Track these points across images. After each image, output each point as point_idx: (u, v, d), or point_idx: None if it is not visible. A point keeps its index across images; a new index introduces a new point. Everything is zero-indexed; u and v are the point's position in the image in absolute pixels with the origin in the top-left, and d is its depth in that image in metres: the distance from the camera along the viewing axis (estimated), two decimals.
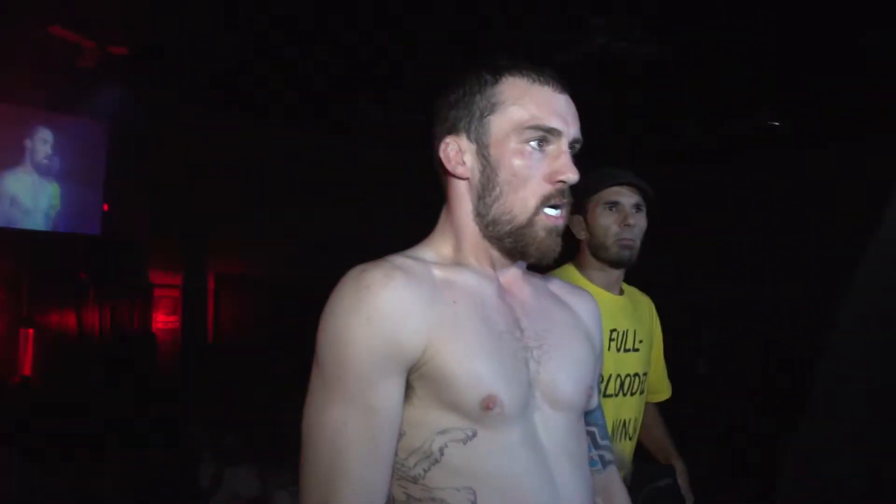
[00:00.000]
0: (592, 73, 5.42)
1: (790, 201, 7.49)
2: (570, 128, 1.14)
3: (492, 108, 1.14)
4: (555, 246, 1.14)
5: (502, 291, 1.16)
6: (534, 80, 1.14)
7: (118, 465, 4.67)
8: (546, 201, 1.12)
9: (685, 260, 7.82)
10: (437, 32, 5.22)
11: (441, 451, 1.04)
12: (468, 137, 1.15)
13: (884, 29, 4.62)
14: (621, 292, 2.11)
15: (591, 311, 1.31)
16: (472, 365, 1.05)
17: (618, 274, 2.08)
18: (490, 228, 1.14)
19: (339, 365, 1.03)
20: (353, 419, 1.02)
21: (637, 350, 2.06)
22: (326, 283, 1.15)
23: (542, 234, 1.13)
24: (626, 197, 2.02)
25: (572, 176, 1.12)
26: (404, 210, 5.49)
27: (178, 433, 5.22)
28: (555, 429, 1.12)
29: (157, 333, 7.35)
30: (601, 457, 1.30)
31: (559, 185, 1.12)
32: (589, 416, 1.25)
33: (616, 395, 1.99)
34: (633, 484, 1.96)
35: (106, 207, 7.10)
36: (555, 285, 1.30)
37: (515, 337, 1.12)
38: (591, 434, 1.26)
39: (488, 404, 1.04)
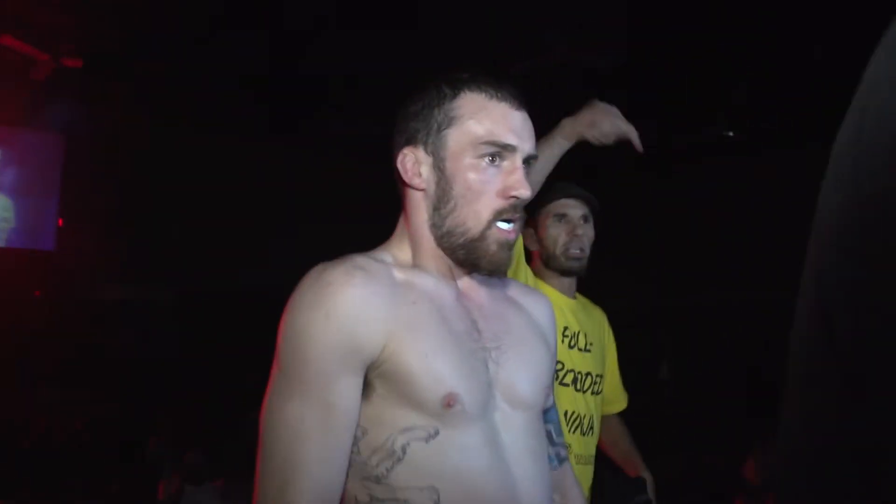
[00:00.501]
0: (555, 82, 5.47)
1: (752, 206, 7.62)
2: (525, 144, 1.16)
3: (449, 121, 1.15)
4: (506, 259, 1.16)
5: (460, 295, 1.19)
6: (491, 97, 1.16)
7: (81, 485, 4.57)
8: (499, 215, 1.14)
9: (646, 265, 7.91)
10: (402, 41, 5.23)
11: (404, 449, 1.05)
12: (425, 150, 1.17)
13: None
14: (573, 298, 2.20)
15: (546, 313, 1.33)
16: (432, 364, 1.07)
17: (569, 282, 2.17)
18: (444, 240, 1.17)
19: (298, 360, 1.05)
20: (311, 414, 1.03)
21: (589, 351, 2.13)
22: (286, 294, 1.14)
23: (493, 247, 1.15)
24: (574, 209, 2.11)
25: (525, 192, 1.14)
26: (365, 222, 5.45)
27: (142, 451, 5.13)
28: (515, 427, 1.14)
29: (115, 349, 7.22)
30: (557, 454, 1.32)
31: (512, 201, 1.15)
32: (545, 414, 1.27)
33: (569, 386, 2.06)
34: (610, 500, 2.04)
35: (61, 222, 6.96)
36: (511, 288, 1.32)
37: (473, 338, 1.15)
38: (547, 432, 1.28)
39: (449, 402, 1.05)
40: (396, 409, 1.07)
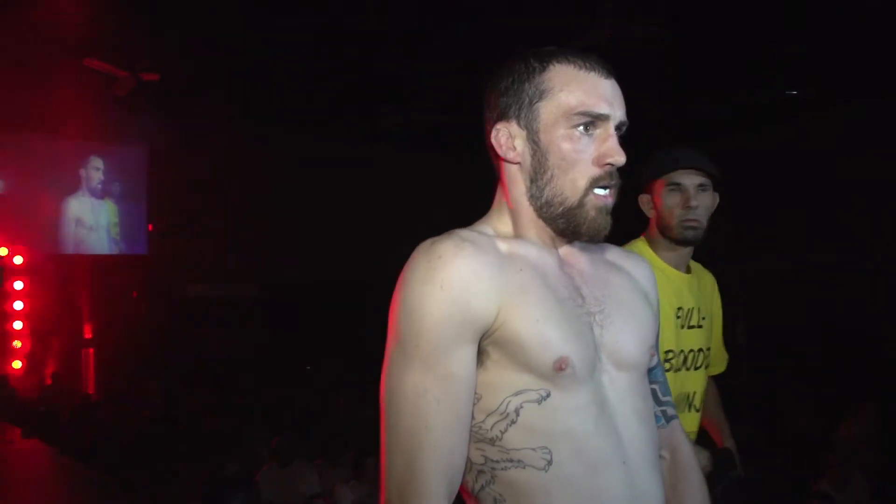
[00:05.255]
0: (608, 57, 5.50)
1: (824, 170, 7.47)
2: (616, 111, 1.17)
3: (541, 94, 1.17)
4: (605, 224, 1.18)
5: (562, 263, 1.21)
6: (580, 67, 1.17)
7: (187, 474, 4.85)
8: (595, 183, 1.16)
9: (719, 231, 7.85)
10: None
11: (517, 411, 1.08)
12: (518, 124, 1.18)
13: None
14: (688, 270, 2.16)
15: (646, 275, 1.35)
16: (543, 329, 1.09)
17: (686, 252, 2.12)
18: (543, 210, 1.18)
19: (416, 333, 1.06)
20: (433, 385, 1.06)
21: (700, 327, 2.11)
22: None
23: (592, 212, 1.16)
24: (689, 178, 2.06)
25: (620, 158, 1.16)
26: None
27: (241, 441, 5.41)
28: (621, 388, 1.17)
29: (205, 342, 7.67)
30: (664, 412, 1.34)
31: (607, 168, 1.16)
32: (650, 373, 1.29)
33: (679, 370, 2.06)
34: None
35: (151, 227, 7.42)
36: (610, 253, 1.34)
37: (578, 304, 1.16)
38: (652, 391, 1.29)
39: (561, 365, 1.08)
40: (510, 374, 1.09)
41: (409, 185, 8.11)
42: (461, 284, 1.07)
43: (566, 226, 1.18)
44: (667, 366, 2.01)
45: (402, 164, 8.09)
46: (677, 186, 2.06)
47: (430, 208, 6.51)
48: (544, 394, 1.09)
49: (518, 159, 1.19)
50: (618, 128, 1.18)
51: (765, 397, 6.40)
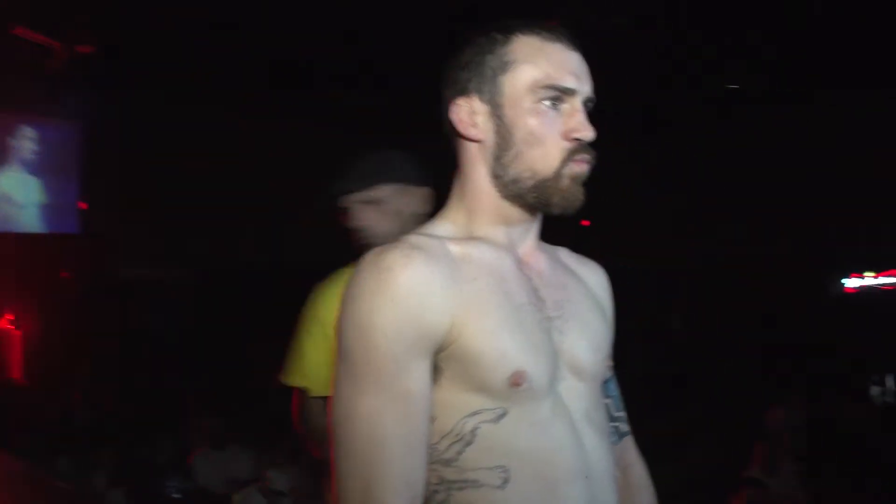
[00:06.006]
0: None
1: (760, 165, 7.67)
2: (583, 86, 1.12)
3: (504, 67, 1.11)
4: (579, 195, 1.12)
5: (520, 263, 1.15)
6: (546, 38, 1.12)
7: (117, 460, 4.74)
8: (571, 154, 1.11)
9: (655, 223, 8.01)
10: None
11: (473, 432, 1.04)
12: (480, 99, 1.12)
13: None
14: None
15: (601, 283, 1.30)
16: (497, 341, 1.04)
17: None
18: (511, 187, 1.12)
19: (367, 352, 1.01)
20: (389, 405, 1.00)
21: None
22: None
23: (566, 181, 1.11)
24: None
25: (588, 133, 1.11)
26: None
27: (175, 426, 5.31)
28: (580, 398, 1.12)
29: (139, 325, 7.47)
30: (617, 428, 1.30)
31: (576, 144, 1.11)
32: (604, 386, 1.24)
33: None
34: None
35: (83, 206, 7.17)
36: (566, 257, 1.28)
37: (537, 308, 1.11)
38: (605, 406, 1.24)
39: (516, 380, 1.03)
40: (464, 393, 1.04)
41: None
42: (412, 297, 1.01)
43: (537, 199, 1.12)
44: None
45: (345, 147, 7.97)
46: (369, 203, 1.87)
47: None
48: (501, 412, 1.04)
49: (480, 136, 1.13)
50: (585, 103, 1.13)
51: (700, 386, 6.56)
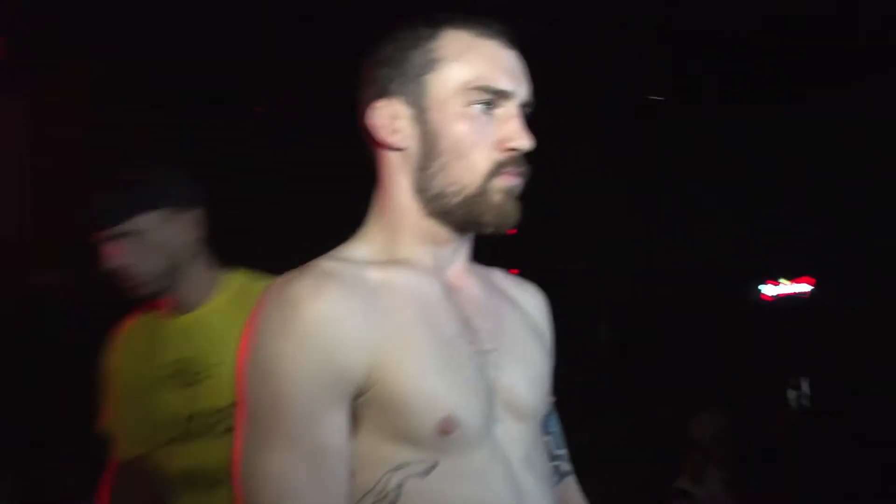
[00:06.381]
0: None
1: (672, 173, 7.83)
2: (520, 88, 1.01)
3: (430, 65, 0.99)
4: (513, 211, 1.01)
5: (447, 288, 1.03)
6: (478, 34, 1.00)
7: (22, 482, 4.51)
8: (500, 167, 0.99)
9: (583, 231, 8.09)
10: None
11: (399, 488, 0.92)
12: (402, 101, 1.00)
13: None
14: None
15: (540, 308, 1.21)
16: (423, 383, 0.92)
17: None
18: (435, 202, 1.00)
19: (273, 401, 0.88)
20: (301, 463, 0.88)
21: (205, 380, 1.65)
22: None
23: (497, 197, 0.99)
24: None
25: (525, 142, 0.99)
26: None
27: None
28: (519, 442, 1.02)
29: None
30: (557, 468, 1.21)
31: (511, 154, 1.00)
32: (543, 421, 1.16)
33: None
34: None
35: None
36: (501, 280, 1.18)
37: (469, 340, 1.00)
38: (545, 444, 1.15)
39: (446, 428, 0.92)
40: (387, 444, 0.93)
41: (283, 172, 7.82)
42: (323, 335, 0.88)
43: (466, 217, 1.00)
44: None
45: (275, 151, 7.78)
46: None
47: (308, 197, 6.28)
48: (430, 464, 0.92)
49: (402, 144, 1.01)
50: (522, 108, 1.01)
51: (627, 395, 6.63)
